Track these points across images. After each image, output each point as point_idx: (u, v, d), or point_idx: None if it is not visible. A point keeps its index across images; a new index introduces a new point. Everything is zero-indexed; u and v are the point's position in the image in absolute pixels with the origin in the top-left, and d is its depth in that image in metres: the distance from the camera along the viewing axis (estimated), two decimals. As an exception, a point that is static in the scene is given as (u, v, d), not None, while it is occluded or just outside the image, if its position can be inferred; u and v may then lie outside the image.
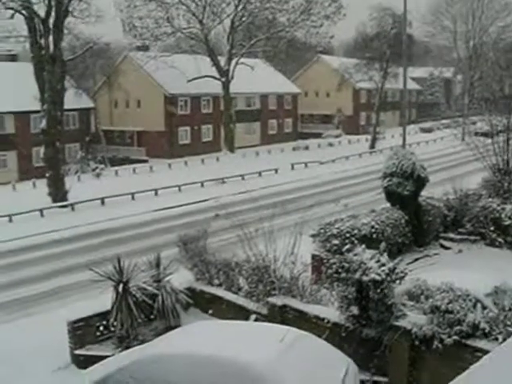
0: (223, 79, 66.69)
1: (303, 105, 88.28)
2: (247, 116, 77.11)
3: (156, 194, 41.23)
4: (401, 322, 11.66)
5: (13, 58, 66.06)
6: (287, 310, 13.58)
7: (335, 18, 67.89)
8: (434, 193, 23.04)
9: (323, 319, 12.65)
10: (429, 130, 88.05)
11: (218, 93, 68.53)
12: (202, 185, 43.99)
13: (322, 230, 19.28)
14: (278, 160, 55.91)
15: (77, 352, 15.19)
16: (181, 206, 36.30)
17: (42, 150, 39.99)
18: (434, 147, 65.38)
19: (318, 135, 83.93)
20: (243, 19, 67.50)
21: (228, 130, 68.65)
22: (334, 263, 13.13)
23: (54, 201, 38.45)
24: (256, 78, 73.33)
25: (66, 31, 41.34)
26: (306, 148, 69.66)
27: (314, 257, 18.31)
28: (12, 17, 40.25)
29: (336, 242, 18.55)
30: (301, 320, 12.92)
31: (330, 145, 73.60)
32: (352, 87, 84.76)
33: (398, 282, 12.18)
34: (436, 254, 20.59)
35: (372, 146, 67.93)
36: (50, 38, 38.31)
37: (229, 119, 68.21)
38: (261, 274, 14.75)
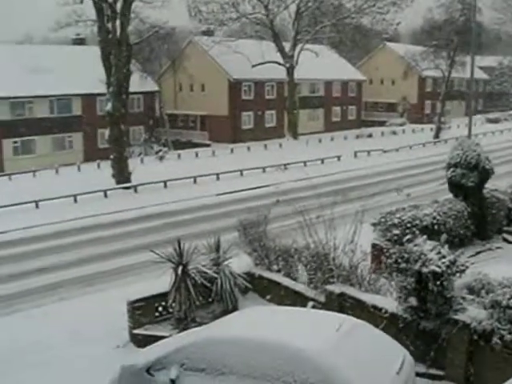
0: (287, 65, 66.50)
1: (367, 92, 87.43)
2: (311, 102, 76.79)
3: (218, 178, 41.49)
4: (460, 316, 11.50)
5: (81, 41, 67.44)
6: (345, 298, 13.54)
7: (402, 4, 66.88)
8: (499, 185, 22.58)
9: (381, 309, 12.57)
10: (495, 121, 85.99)
11: (282, 79, 68.42)
12: (264, 170, 44.06)
13: (383, 219, 19.14)
14: (340, 147, 55.55)
15: (135, 331, 15.49)
16: (242, 190, 36.47)
17: (106, 132, 40.68)
18: (500, 138, 63.95)
19: (381, 123, 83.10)
20: (309, 5, 67.05)
21: (291, 116, 68.51)
22: (394, 253, 12.99)
23: (118, 182, 39.11)
24: (320, 64, 72.87)
25: (132, 15, 41.92)
26: (370, 136, 69.03)
27: (373, 246, 18.19)
28: (81, 1, 41.05)
29: (397, 231, 18.39)
30: (358, 309, 12.87)
31: (394, 133, 72.73)
32: (418, 75, 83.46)
33: (458, 274, 11.99)
34: (499, 248, 20.20)
35: (436, 136, 66.77)
36: (117, 22, 38.86)
37: (292, 105, 68.05)
38: (320, 261, 14.74)
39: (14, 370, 14.34)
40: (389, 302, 12.74)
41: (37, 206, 33.64)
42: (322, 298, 14.04)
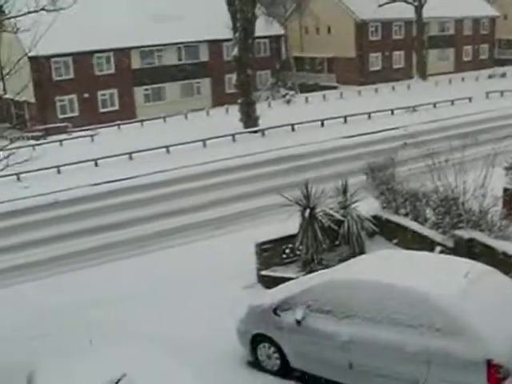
0: (416, 3, 64.19)
1: (501, 29, 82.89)
2: (440, 42, 73.99)
3: (345, 121, 41.09)
4: None
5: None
6: (474, 244, 13.24)
7: None
8: None
9: (511, 256, 12.20)
10: None
11: (410, 18, 66.25)
12: (392, 112, 43.18)
13: (517, 163, 18.42)
14: (471, 88, 53.38)
15: (263, 273, 15.88)
16: (369, 133, 35.98)
17: (233, 76, 41.03)
18: None
19: (516, 62, 78.97)
20: None
21: (420, 57, 66.49)
22: (528, 198, 12.55)
23: (246, 126, 39.55)
24: (450, 1, 69.83)
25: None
26: (503, 76, 65.77)
27: (505, 191, 17.56)
28: None
29: (531, 175, 17.67)
30: (487, 255, 12.54)
31: (531, 72, 69.04)
32: None
33: None
34: None
35: None
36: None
37: (421, 45, 65.94)
38: (449, 205, 14.44)
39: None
40: (520, 249, 12.36)
41: (167, 151, 34.70)
42: (451, 244, 13.80)
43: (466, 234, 13.49)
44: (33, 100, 51.93)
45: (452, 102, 46.46)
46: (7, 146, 11.79)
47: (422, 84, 62.01)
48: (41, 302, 16.32)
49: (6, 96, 50.59)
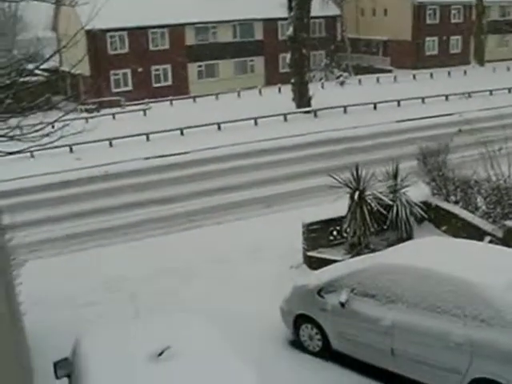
0: (476, -14, 62.90)
1: None
2: (500, 27, 72.27)
3: (399, 104, 40.64)
4: None
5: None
6: (525, 235, 13.05)
7: None
8: None
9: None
10: None
11: (469, 1, 64.93)
12: (447, 98, 42.53)
13: None
14: (531, 76, 52.21)
15: (309, 253, 15.89)
16: (423, 118, 35.55)
17: (288, 56, 40.87)
18: None
19: None
20: None
21: (478, 42, 65.07)
22: None
23: (298, 106, 39.41)
24: (513, -16, 68.27)
25: None
26: None
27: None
28: None
29: None
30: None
31: None
32: None
33: None
34: None
35: None
36: None
37: (480, 30, 64.51)
38: (500, 195, 14.23)
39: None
40: None
41: (219, 128, 34.85)
42: (500, 234, 13.60)
43: (516, 224, 13.28)
44: (88, 73, 52.57)
45: (509, 89, 45.49)
46: (61, 117, 11.96)
47: (479, 70, 60.80)
48: (90, 271, 16.66)
49: (62, 68, 51.49)
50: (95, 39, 50.40)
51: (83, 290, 15.05)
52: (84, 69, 50.75)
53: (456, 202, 15.96)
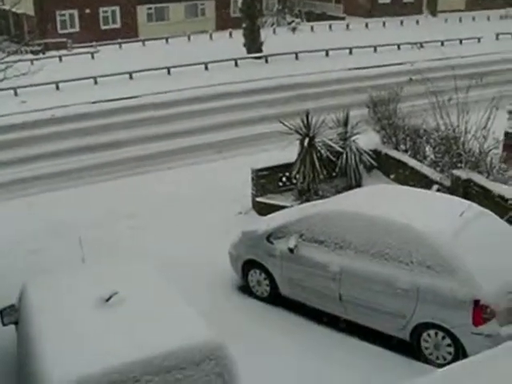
0: None
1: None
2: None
3: (350, 52, 40.45)
4: None
5: None
6: (471, 184, 13.19)
7: None
8: None
9: (507, 200, 12.11)
10: None
11: None
12: (399, 47, 42.50)
13: (520, 106, 18.22)
14: (482, 28, 52.33)
15: (258, 199, 15.89)
16: (374, 67, 35.52)
17: (239, 0, 40.22)
18: None
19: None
20: None
21: (431, -8, 65.20)
22: (529, 142, 12.45)
23: (249, 52, 38.93)
24: None
25: None
26: (516, 17, 64.62)
27: (507, 134, 17.42)
28: None
29: (534, 119, 17.52)
30: (483, 197, 12.51)
31: (544, 14, 67.65)
32: None
33: None
34: None
35: None
36: None
37: (433, -21, 64.60)
38: (449, 144, 14.36)
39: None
40: (517, 194, 12.31)
41: (168, 73, 34.24)
42: (448, 183, 13.78)
43: (463, 174, 13.43)
44: (32, 13, 50.85)
45: (460, 40, 45.73)
46: (4, 58, 11.53)
47: (431, 20, 60.90)
48: (33, 218, 16.39)
49: (4, 7, 49.66)
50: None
51: (30, 236, 14.82)
52: (28, 8, 49.07)
53: (405, 151, 16.10)
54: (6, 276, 11.55)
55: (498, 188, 12.67)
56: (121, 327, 7.19)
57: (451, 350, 9.12)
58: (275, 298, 11.31)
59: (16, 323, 8.82)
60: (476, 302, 8.81)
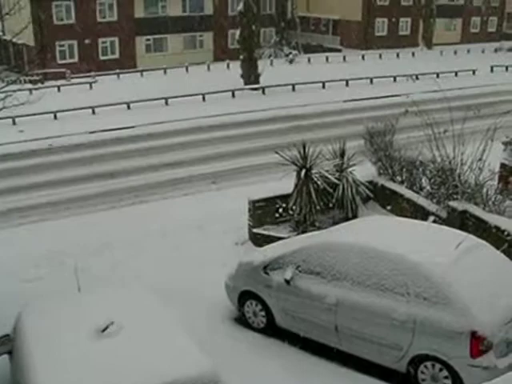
0: (427, -30, 63.41)
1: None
2: (449, 11, 73.03)
3: (347, 84, 40.81)
4: None
5: None
6: (467, 216, 13.21)
7: None
8: None
9: (504, 231, 12.12)
10: None
11: (420, -16, 65.50)
12: (395, 79, 42.93)
13: (516, 139, 18.34)
14: (476, 61, 52.95)
15: (255, 230, 15.87)
16: (370, 98, 35.82)
17: (237, 32, 40.59)
18: None
19: (524, 37, 78.14)
20: None
21: (427, 25, 65.82)
22: (525, 174, 12.50)
23: (246, 83, 39.24)
24: (462, -30, 68.99)
25: None
26: (510, 50, 65.16)
27: (502, 165, 17.53)
28: None
29: (529, 152, 17.61)
30: (480, 229, 12.51)
31: (538, 48, 68.29)
32: None
33: None
34: None
35: None
36: None
37: (429, 13, 65.28)
38: (445, 176, 14.42)
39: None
40: (513, 225, 12.32)
41: (166, 103, 34.49)
42: (444, 214, 13.81)
43: (459, 205, 13.46)
44: (32, 43, 51.22)
45: (456, 73, 46.17)
46: (3, 87, 11.61)
47: (426, 53, 61.53)
48: (31, 247, 16.35)
49: (5, 37, 50.04)
50: (40, 7, 49.20)
51: (27, 264, 14.79)
52: (28, 38, 49.44)
53: (401, 182, 16.14)
54: (1, 305, 11.49)
55: (494, 219, 12.70)
56: (116, 358, 7.15)
57: (449, 382, 9.06)
58: (271, 329, 11.26)
59: (10, 353, 8.77)
60: (473, 334, 8.78)
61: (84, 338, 7.47)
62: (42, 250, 15.77)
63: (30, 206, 22.01)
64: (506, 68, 49.73)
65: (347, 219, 14.41)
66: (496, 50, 64.75)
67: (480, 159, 14.00)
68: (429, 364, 9.23)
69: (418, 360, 9.34)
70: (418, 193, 15.33)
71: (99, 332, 7.47)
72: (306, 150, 15.27)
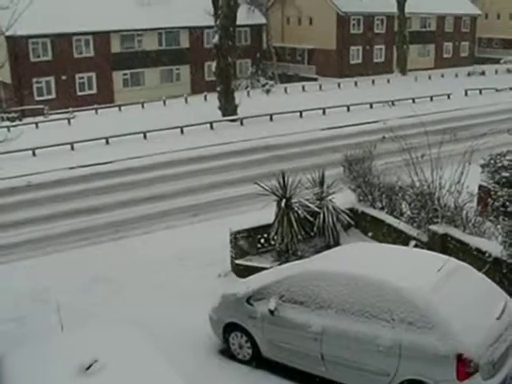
0: (399, -2, 64.40)
1: (482, 28, 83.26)
2: (421, 38, 74.26)
3: (324, 113, 41.13)
4: None
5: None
6: (448, 239, 13.28)
7: None
8: None
9: (484, 253, 12.22)
10: None
11: (392, 12, 66.40)
12: (371, 106, 43.35)
13: (492, 161, 18.49)
14: (451, 85, 53.66)
15: (237, 262, 15.82)
16: (348, 126, 36.11)
17: (213, 64, 40.85)
18: None
19: (496, 61, 79.32)
20: None
21: (401, 52, 66.72)
22: (502, 196, 12.63)
23: (224, 115, 39.41)
24: (433, -3, 70.20)
25: None
26: (482, 74, 66.19)
27: (480, 188, 17.69)
28: None
29: (506, 174, 17.75)
30: (461, 251, 12.59)
31: (509, 71, 69.36)
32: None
33: None
34: None
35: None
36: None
37: (402, 40, 66.20)
38: (424, 200, 14.51)
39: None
40: (493, 246, 12.33)
41: (144, 137, 34.51)
42: (425, 238, 13.88)
43: (440, 229, 13.53)
44: (9, 81, 51.26)
45: (431, 97, 46.73)
46: (-19, 125, 11.59)
47: (401, 79, 62.26)
48: (13, 285, 16.17)
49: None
50: (16, 45, 49.36)
51: (8, 304, 14.61)
52: (5, 76, 49.46)
53: (382, 208, 16.21)
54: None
55: (474, 241, 12.77)
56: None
57: (436, 406, 9.04)
58: (257, 361, 11.18)
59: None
60: (459, 357, 8.77)
61: (68, 378, 7.37)
62: (22, 289, 15.58)
63: (7, 244, 21.81)
64: (480, 91, 50.47)
65: (329, 247, 14.43)
66: (469, 74, 65.69)
67: (458, 182, 14.11)
68: (416, 389, 9.20)
69: (405, 385, 9.31)
70: (398, 218, 15.39)
71: (83, 370, 7.38)
72: (286, 179, 15.33)
